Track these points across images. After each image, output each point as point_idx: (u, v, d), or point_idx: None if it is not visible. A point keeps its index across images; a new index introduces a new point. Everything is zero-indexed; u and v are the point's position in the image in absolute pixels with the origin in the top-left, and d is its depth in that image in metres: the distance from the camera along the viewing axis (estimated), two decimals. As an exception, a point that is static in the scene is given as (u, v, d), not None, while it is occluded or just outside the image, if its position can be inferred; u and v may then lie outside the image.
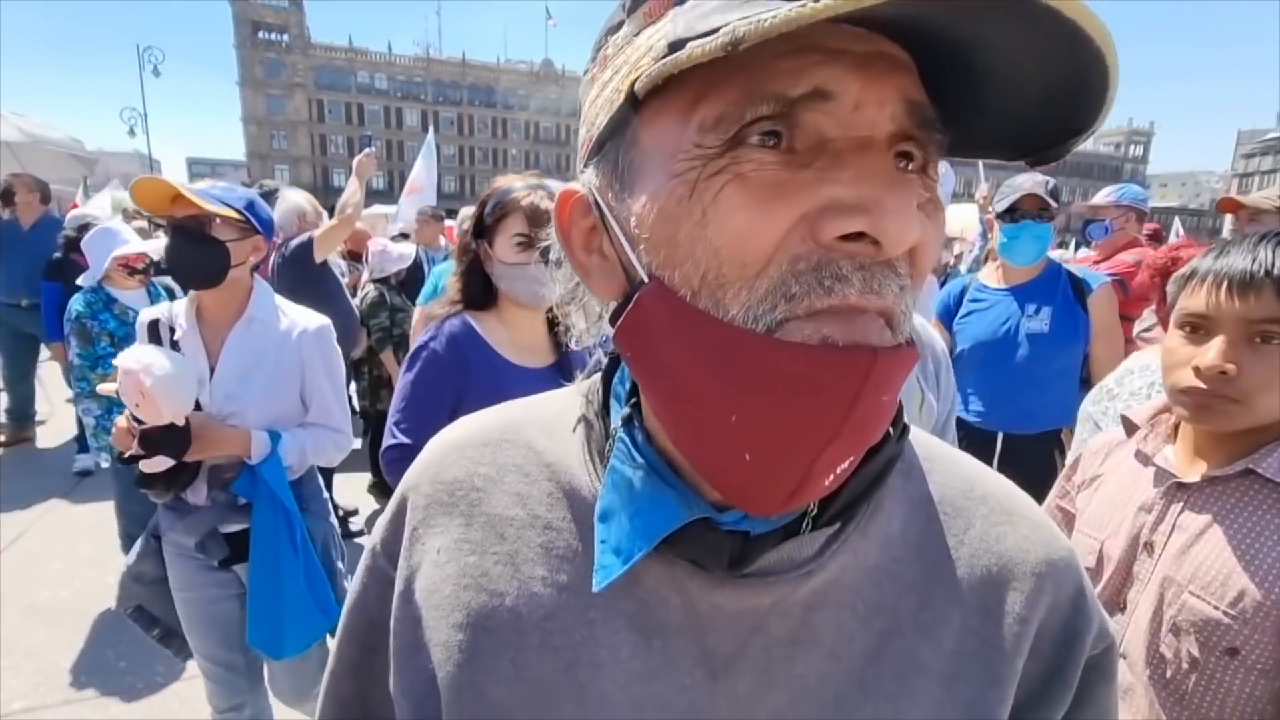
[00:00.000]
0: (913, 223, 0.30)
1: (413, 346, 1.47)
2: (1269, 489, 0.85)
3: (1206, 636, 0.84)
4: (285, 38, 58.41)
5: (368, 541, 0.52)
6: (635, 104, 0.33)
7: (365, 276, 4.20)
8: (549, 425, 0.47)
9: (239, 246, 1.49)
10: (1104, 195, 3.15)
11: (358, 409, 4.27)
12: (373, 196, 3.08)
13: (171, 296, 2.98)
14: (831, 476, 0.33)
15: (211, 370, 1.54)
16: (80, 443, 4.32)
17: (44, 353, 4.78)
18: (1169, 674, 0.88)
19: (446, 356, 1.41)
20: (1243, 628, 0.81)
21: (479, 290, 1.48)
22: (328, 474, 3.56)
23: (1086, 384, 2.10)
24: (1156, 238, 5.00)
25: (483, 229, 1.45)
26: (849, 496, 0.37)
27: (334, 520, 1.73)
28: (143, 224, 5.93)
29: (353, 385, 3.98)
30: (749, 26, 0.25)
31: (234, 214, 1.48)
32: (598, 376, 0.47)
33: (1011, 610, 0.40)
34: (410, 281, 4.10)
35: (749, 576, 0.37)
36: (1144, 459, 1.00)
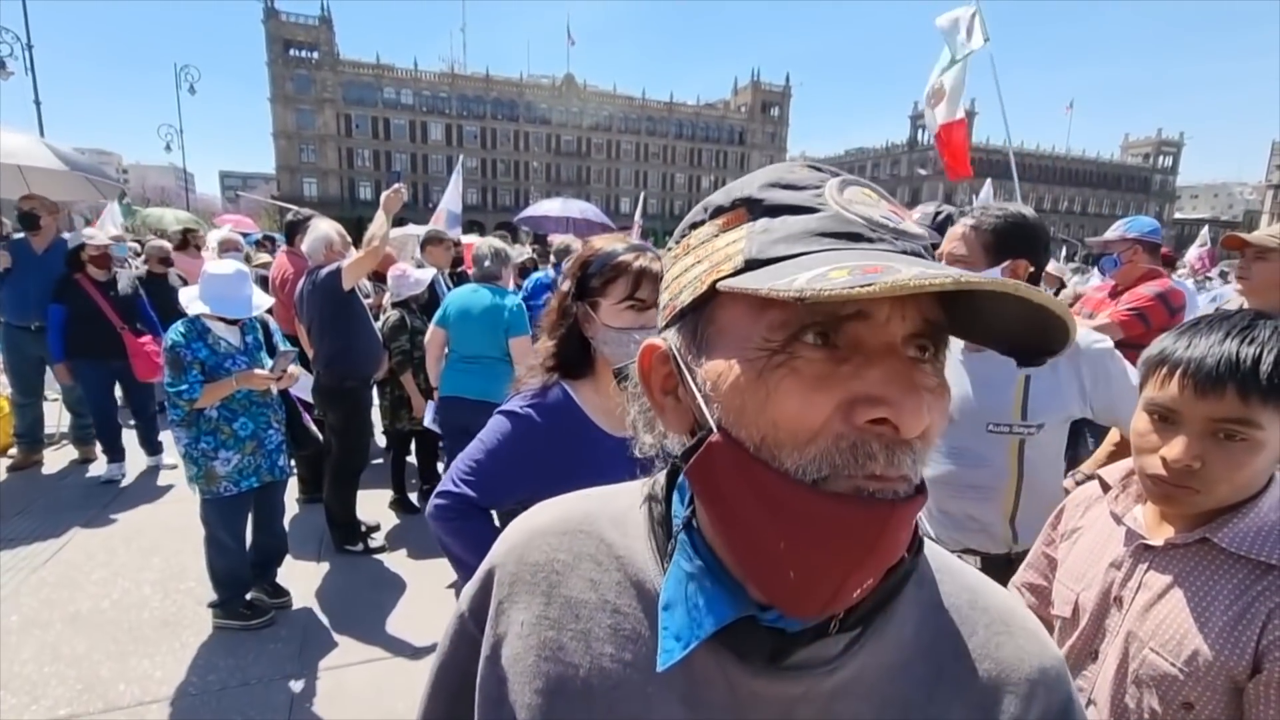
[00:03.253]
0: (923, 416, 0.38)
1: (508, 405, 1.36)
2: (1222, 556, 0.90)
3: (1165, 690, 0.90)
4: (315, 55, 59.80)
5: (456, 607, 0.58)
6: (713, 292, 0.42)
7: (387, 299, 4.36)
8: (619, 520, 0.54)
9: None
10: (1114, 230, 3.21)
11: (380, 428, 4.42)
12: (399, 211, 3.23)
13: (265, 330, 3.02)
14: (859, 590, 0.41)
15: None
16: (108, 454, 4.53)
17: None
18: (1132, 724, 0.93)
19: (544, 429, 1.32)
20: (1196, 685, 0.87)
21: (576, 356, 1.36)
22: (352, 491, 3.69)
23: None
24: (1170, 263, 4.99)
25: (586, 291, 1.32)
26: (870, 605, 0.44)
27: None
28: (164, 243, 6.02)
29: (375, 404, 4.12)
30: (816, 291, 0.33)
31: None
32: (661, 477, 0.53)
33: (1008, 711, 0.46)
34: (431, 304, 4.25)
35: (784, 669, 0.44)
36: (1116, 518, 1.06)
